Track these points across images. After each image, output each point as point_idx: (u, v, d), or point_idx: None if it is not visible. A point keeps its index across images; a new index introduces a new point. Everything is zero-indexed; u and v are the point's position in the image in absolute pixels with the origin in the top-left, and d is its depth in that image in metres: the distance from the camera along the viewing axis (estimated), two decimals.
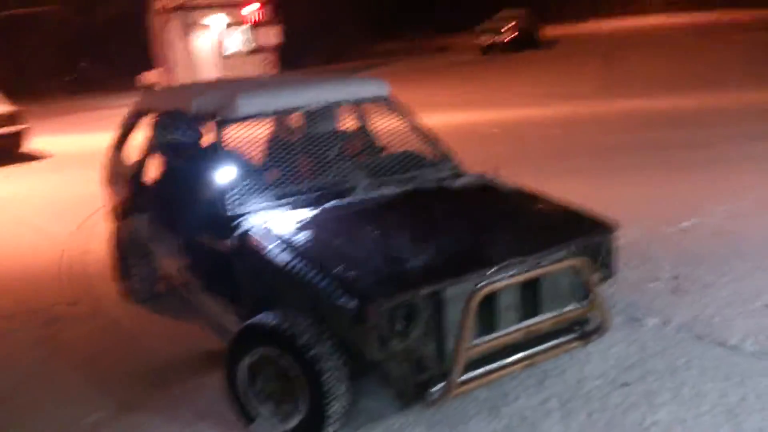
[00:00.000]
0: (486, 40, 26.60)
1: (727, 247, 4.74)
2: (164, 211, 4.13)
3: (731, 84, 12.69)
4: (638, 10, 38.23)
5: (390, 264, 2.83)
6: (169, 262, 4.18)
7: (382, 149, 4.27)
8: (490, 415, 3.04)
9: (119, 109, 17.09)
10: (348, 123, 4.36)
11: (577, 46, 25.52)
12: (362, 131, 4.35)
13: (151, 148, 4.48)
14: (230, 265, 3.41)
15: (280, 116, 4.09)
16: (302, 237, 3.12)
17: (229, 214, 3.40)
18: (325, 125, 4.05)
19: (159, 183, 4.40)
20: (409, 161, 3.94)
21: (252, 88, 4.10)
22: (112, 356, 4.01)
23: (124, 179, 4.83)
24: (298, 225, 3.24)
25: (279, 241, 3.12)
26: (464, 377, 2.77)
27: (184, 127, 3.91)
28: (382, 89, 4.24)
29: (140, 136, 4.67)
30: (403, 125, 4.22)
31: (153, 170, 4.41)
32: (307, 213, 3.37)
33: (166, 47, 19.03)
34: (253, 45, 19.73)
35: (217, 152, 3.65)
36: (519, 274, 2.84)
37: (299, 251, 3.01)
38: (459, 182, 3.78)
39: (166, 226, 4.12)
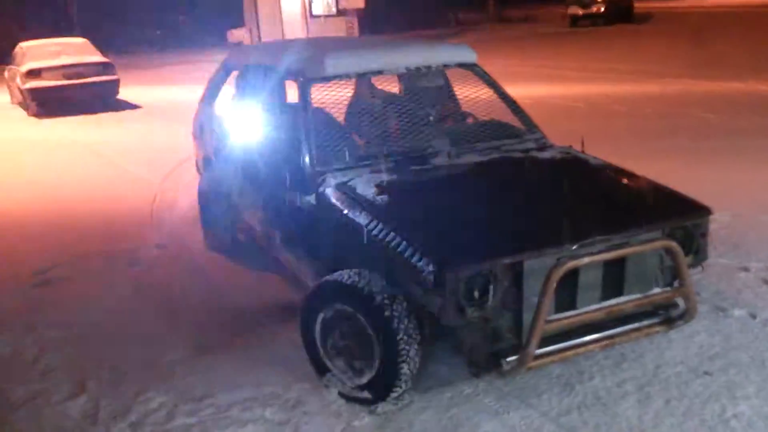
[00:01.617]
0: (575, 10, 25.75)
1: None
2: (249, 165, 4.21)
3: None
4: None
5: (471, 231, 2.79)
6: (252, 214, 4.28)
7: (468, 116, 4.21)
8: (564, 391, 2.99)
9: (207, 64, 17.56)
10: (434, 88, 4.30)
11: (672, 22, 24.34)
12: (449, 97, 4.29)
13: (237, 102, 4.56)
14: (310, 221, 3.46)
15: (366, 78, 4.07)
16: (382, 199, 3.12)
17: (313, 170, 3.44)
18: (411, 89, 4.01)
19: (245, 137, 4.48)
20: (494, 130, 3.87)
21: (339, 49, 4.10)
22: (192, 299, 4.16)
23: (211, 132, 4.95)
24: (379, 187, 3.23)
25: (359, 201, 3.13)
26: (539, 351, 2.73)
27: (273, 82, 3.94)
28: (470, 55, 4.15)
29: (229, 91, 4.76)
30: (489, 93, 4.13)
31: (238, 124, 4.49)
32: (388, 176, 3.36)
33: (255, 5, 19.27)
34: (338, 7, 19.72)
35: (303, 110, 3.67)
36: (604, 251, 2.76)
37: (380, 212, 3.01)
38: (545, 154, 3.68)
39: (251, 180, 4.21)
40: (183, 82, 15.22)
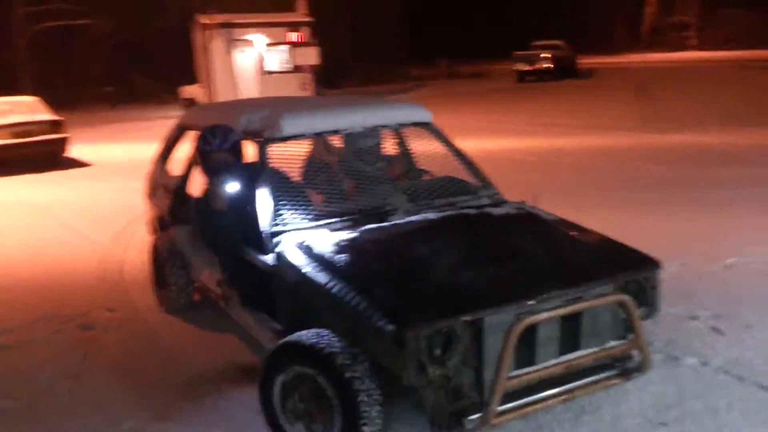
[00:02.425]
0: (523, 67, 26.67)
1: None
2: (205, 225, 4.18)
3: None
4: (676, 47, 37.99)
5: (430, 289, 2.82)
6: (208, 275, 4.22)
7: (423, 174, 4.28)
8: None
9: (158, 121, 17.46)
10: (389, 147, 4.38)
11: (614, 77, 25.40)
12: (403, 155, 4.37)
13: (194, 163, 4.55)
14: (268, 282, 3.44)
15: (323, 137, 4.13)
16: (341, 257, 3.14)
17: (270, 231, 3.44)
18: (367, 148, 4.08)
19: (201, 197, 4.46)
20: (449, 186, 3.95)
21: (296, 109, 4.16)
22: (147, 364, 4.05)
23: (167, 191, 4.91)
24: (338, 245, 3.25)
25: (318, 260, 3.14)
26: (501, 408, 2.74)
27: (228, 141, 3.94)
28: (424, 115, 4.25)
29: (183, 150, 4.75)
30: (443, 151, 4.23)
31: (195, 184, 4.47)
32: (347, 234, 3.39)
33: (208, 62, 19.39)
34: (292, 65, 20.00)
35: (259, 170, 3.69)
36: (561, 306, 2.81)
37: (338, 271, 3.02)
38: (500, 210, 3.76)
39: (206, 240, 4.17)
40: (135, 140, 15.09)
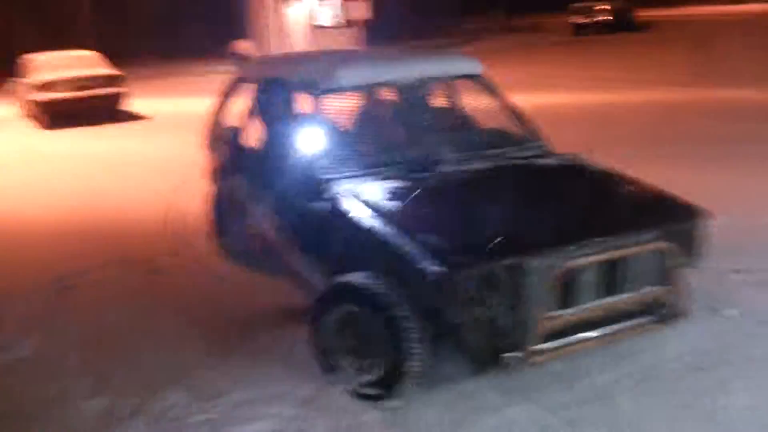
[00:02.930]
0: (579, 20, 25.96)
1: None
2: (261, 174, 4.38)
3: None
4: None
5: (474, 234, 2.96)
6: (263, 221, 4.45)
7: (473, 125, 4.37)
8: (564, 386, 3.15)
9: (211, 75, 17.68)
10: (440, 98, 4.48)
11: (673, 30, 24.52)
12: (454, 107, 4.46)
13: (251, 114, 4.74)
14: (320, 227, 3.63)
15: (375, 88, 4.25)
16: (390, 204, 3.29)
17: (322, 178, 3.61)
18: (419, 99, 4.19)
19: (257, 147, 4.66)
20: (497, 138, 4.04)
21: (349, 61, 4.28)
22: (209, 305, 4.33)
23: (224, 143, 5.13)
24: (387, 193, 3.41)
25: (368, 207, 3.30)
26: (540, 347, 2.89)
27: (284, 93, 4.11)
28: (476, 67, 4.33)
29: (240, 103, 4.94)
30: (494, 103, 4.30)
31: (251, 135, 4.66)
32: (396, 183, 3.54)
33: (259, 17, 19.51)
34: (343, 19, 19.96)
35: (313, 120, 3.85)
36: (601, 252, 2.91)
37: (386, 216, 3.18)
38: (548, 160, 3.84)
39: (262, 188, 4.38)
40: (189, 94, 15.44)
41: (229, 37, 22.22)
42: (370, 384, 3.10)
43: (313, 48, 18.21)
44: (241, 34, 21.35)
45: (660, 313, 3.17)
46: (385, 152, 3.80)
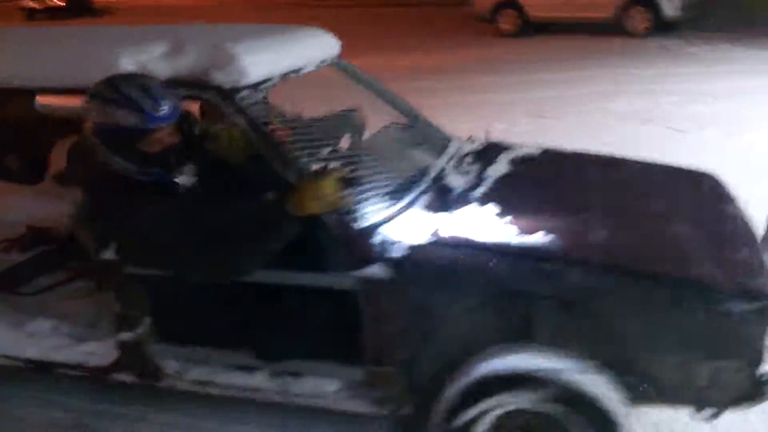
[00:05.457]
0: (30, 3, 23.50)
1: None
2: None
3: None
4: None
5: (730, 254, 2.20)
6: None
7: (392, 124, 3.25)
8: None
9: None
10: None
11: (139, 15, 23.87)
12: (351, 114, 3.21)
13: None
14: (349, 310, 2.23)
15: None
16: (514, 237, 2.22)
17: (358, 228, 2.20)
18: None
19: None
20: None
21: (228, 39, 2.63)
22: None
23: None
24: (476, 222, 2.31)
25: (476, 247, 2.17)
26: None
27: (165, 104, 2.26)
28: (334, 45, 3.12)
29: None
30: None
31: None
32: (450, 206, 2.42)
33: None
34: None
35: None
36: None
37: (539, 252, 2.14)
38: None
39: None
40: None
41: None
42: None
43: None
44: None
45: None
46: (389, 173, 2.50)
